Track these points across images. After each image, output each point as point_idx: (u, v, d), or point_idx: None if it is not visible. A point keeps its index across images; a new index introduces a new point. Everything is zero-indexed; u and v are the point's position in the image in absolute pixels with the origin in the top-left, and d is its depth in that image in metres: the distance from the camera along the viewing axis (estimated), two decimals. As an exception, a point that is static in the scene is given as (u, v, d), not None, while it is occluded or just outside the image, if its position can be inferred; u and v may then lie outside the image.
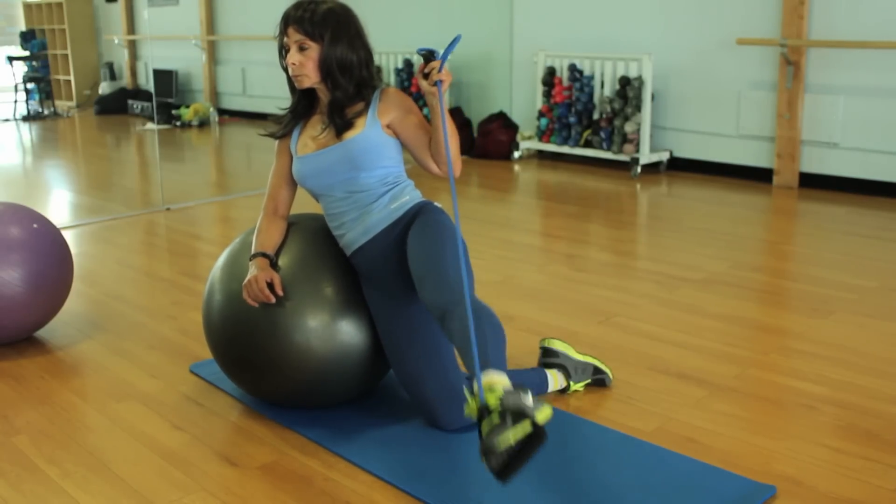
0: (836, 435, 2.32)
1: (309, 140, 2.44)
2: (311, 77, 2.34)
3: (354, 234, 2.37)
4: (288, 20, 2.32)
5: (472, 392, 1.87)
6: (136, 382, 2.75)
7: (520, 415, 1.73)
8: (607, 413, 2.47)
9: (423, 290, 2.16)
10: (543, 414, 1.76)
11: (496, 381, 1.84)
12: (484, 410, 1.78)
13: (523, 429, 1.71)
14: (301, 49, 2.31)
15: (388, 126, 2.39)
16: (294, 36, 2.31)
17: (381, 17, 7.68)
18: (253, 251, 2.39)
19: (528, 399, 1.78)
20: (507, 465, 1.71)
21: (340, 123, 2.36)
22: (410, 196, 2.41)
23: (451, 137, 2.27)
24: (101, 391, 2.69)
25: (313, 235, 2.47)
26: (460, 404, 2.30)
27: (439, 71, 2.19)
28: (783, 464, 2.17)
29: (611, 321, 3.22)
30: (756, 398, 2.56)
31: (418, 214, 2.35)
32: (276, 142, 2.53)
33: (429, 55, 2.22)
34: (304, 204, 2.73)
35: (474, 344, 1.91)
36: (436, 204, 2.42)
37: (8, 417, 2.51)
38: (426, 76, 2.22)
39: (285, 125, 2.50)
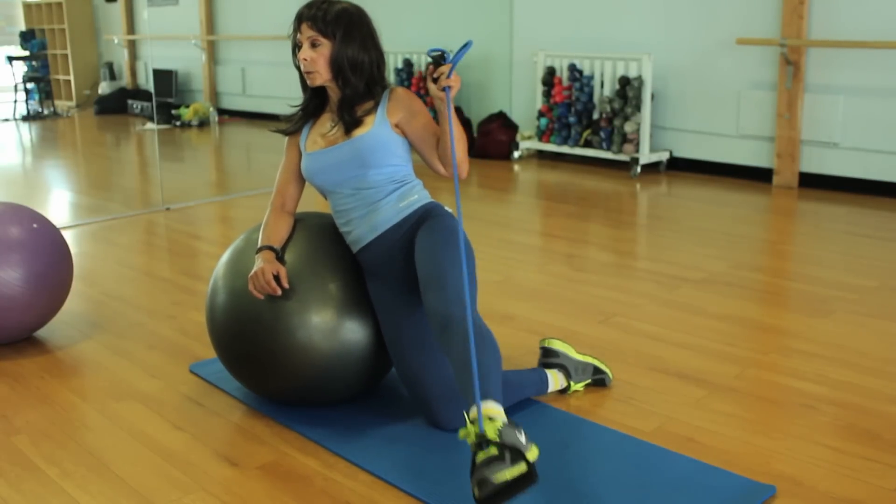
0: (836, 435, 2.32)
1: (318, 137, 2.45)
2: (322, 74, 2.35)
3: (361, 231, 2.38)
4: (301, 17, 2.34)
5: (470, 417, 1.91)
6: (136, 382, 2.75)
7: (517, 454, 1.81)
8: (607, 413, 2.47)
9: (426, 296, 2.17)
10: (533, 454, 1.84)
11: (496, 414, 1.90)
12: (483, 441, 1.84)
13: (519, 469, 1.79)
14: (313, 46, 2.33)
15: (397, 125, 2.39)
16: (307, 33, 2.32)
17: (381, 16, 7.64)
18: (259, 244, 2.41)
19: (523, 437, 1.86)
20: (495, 497, 1.79)
21: (350, 121, 2.37)
22: (419, 196, 2.42)
23: (458, 141, 2.27)
24: (100, 391, 2.69)
25: (319, 232, 2.48)
26: (460, 405, 2.31)
27: (448, 76, 2.18)
28: (783, 464, 2.17)
29: (611, 321, 3.22)
30: (756, 398, 2.56)
31: (427, 216, 2.36)
32: (286, 138, 2.54)
33: (438, 57, 2.20)
34: (310, 202, 2.72)
35: (475, 372, 1.94)
36: (445, 207, 2.42)
37: (8, 417, 2.51)
38: (435, 80, 2.21)
39: (296, 122, 2.52)
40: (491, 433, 1.84)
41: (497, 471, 1.78)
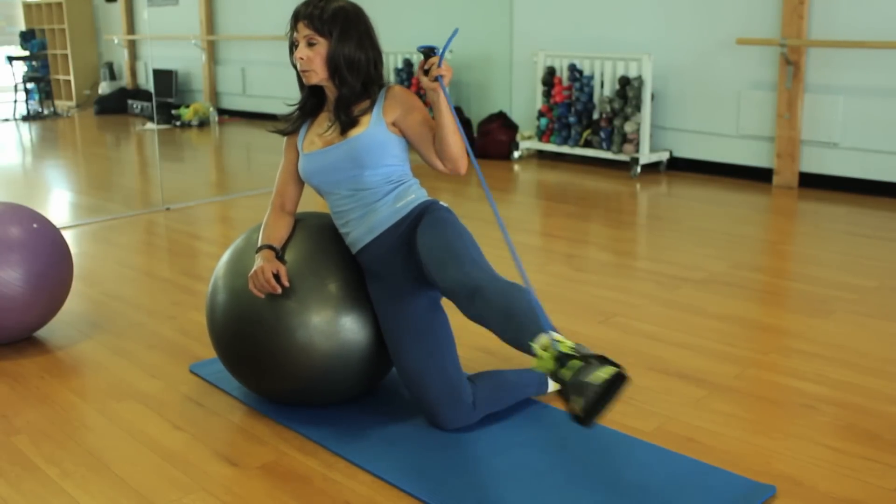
0: (836, 435, 2.32)
1: (315, 137, 2.45)
2: (318, 73, 2.35)
3: (359, 232, 2.38)
4: (298, 16, 2.34)
5: (540, 345, 1.89)
6: (136, 382, 2.75)
7: (601, 359, 1.80)
8: (607, 413, 2.47)
9: (445, 273, 2.14)
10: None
11: (561, 338, 1.90)
12: (563, 358, 1.82)
13: (611, 370, 1.77)
14: (310, 44, 2.32)
15: (394, 124, 2.39)
16: (303, 31, 2.32)
17: (381, 16, 7.65)
18: (259, 244, 2.41)
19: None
20: (594, 406, 1.76)
21: (346, 121, 2.36)
22: (416, 195, 2.41)
23: (457, 133, 2.28)
24: (100, 391, 2.69)
25: (318, 232, 2.48)
26: (460, 404, 2.31)
27: (438, 66, 2.20)
28: (783, 464, 2.17)
29: (611, 321, 3.22)
30: (756, 398, 2.56)
31: (425, 213, 2.35)
32: (284, 139, 2.54)
33: (428, 52, 2.23)
34: (311, 202, 2.72)
35: (535, 301, 1.95)
36: (441, 203, 2.42)
37: (8, 417, 2.51)
38: (427, 72, 2.23)
39: (293, 122, 2.51)
40: (566, 349, 1.84)
41: (591, 373, 1.75)
